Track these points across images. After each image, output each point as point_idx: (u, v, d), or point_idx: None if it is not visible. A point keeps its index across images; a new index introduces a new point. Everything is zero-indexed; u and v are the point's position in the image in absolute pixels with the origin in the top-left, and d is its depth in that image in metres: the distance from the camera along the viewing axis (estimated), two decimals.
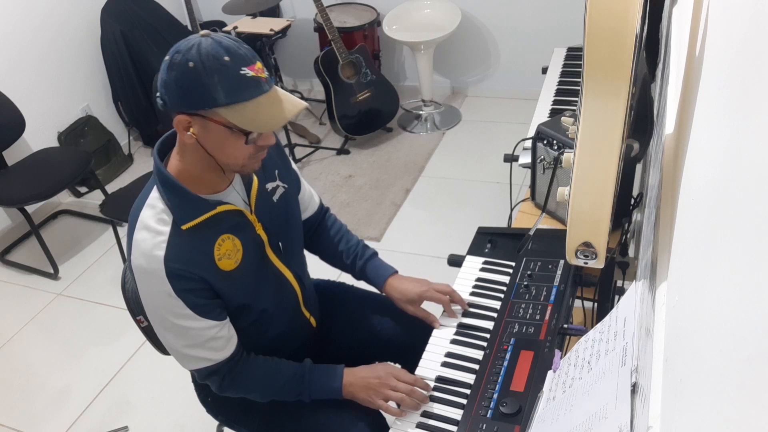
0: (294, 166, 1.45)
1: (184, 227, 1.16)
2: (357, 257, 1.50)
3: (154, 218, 1.16)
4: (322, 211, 1.55)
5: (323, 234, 1.54)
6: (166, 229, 1.16)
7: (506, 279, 1.45)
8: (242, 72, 1.06)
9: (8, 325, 2.77)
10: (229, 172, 1.22)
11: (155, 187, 1.18)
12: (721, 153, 0.55)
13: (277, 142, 1.36)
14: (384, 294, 1.48)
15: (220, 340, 1.24)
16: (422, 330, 1.39)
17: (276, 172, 1.36)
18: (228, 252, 1.22)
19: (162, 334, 1.24)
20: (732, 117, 0.52)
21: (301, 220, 1.47)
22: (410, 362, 1.36)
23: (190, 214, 1.17)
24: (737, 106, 0.50)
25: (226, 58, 1.05)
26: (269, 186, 1.34)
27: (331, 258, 1.55)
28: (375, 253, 1.52)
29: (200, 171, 1.18)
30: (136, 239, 1.16)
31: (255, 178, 1.29)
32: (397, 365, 1.56)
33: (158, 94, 1.10)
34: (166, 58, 1.08)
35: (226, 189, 1.24)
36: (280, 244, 1.35)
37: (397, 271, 1.49)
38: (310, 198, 1.50)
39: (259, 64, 1.09)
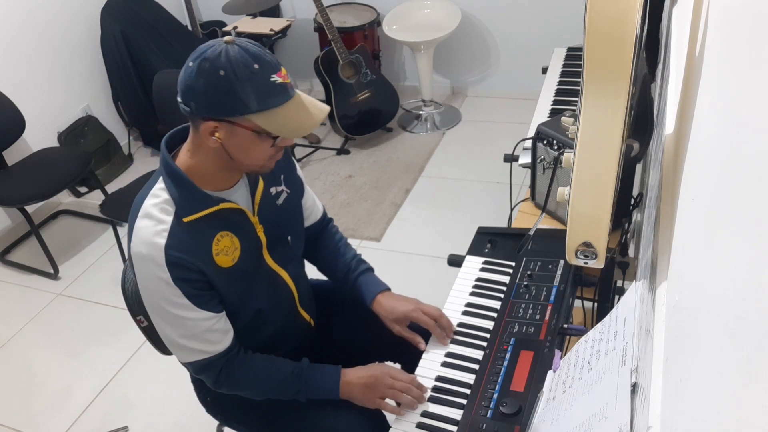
0: (299, 171, 1.44)
1: (185, 219, 1.17)
2: (350, 271, 1.48)
3: (157, 207, 1.17)
4: (324, 222, 1.55)
5: (322, 246, 1.53)
6: (169, 218, 1.17)
7: (506, 279, 1.45)
8: (272, 79, 1.09)
9: (8, 325, 2.76)
10: (238, 172, 1.23)
11: (161, 179, 1.20)
12: (721, 153, 0.55)
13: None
14: (372, 310, 1.44)
15: (216, 332, 1.25)
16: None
17: (281, 176, 1.37)
18: (226, 249, 1.23)
19: (159, 324, 1.25)
20: (732, 117, 0.52)
21: (304, 226, 1.46)
22: (410, 362, 1.36)
23: (193, 208, 1.18)
24: (737, 105, 0.50)
25: (256, 66, 1.07)
26: (273, 190, 1.34)
27: (326, 270, 1.54)
28: (369, 268, 1.50)
29: (211, 170, 1.20)
30: (138, 226, 1.17)
31: (261, 181, 1.30)
32: (397, 365, 1.56)
33: (181, 100, 1.11)
34: (191, 64, 1.08)
35: (231, 188, 1.25)
36: (279, 247, 1.35)
37: (389, 289, 1.46)
38: (313, 206, 1.50)
39: (284, 71, 1.12)
